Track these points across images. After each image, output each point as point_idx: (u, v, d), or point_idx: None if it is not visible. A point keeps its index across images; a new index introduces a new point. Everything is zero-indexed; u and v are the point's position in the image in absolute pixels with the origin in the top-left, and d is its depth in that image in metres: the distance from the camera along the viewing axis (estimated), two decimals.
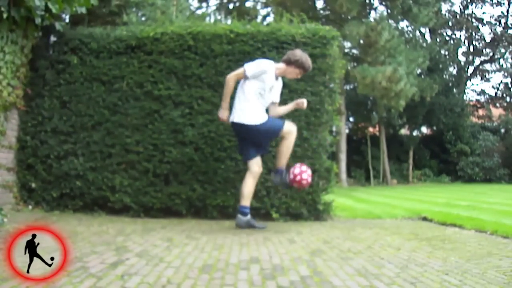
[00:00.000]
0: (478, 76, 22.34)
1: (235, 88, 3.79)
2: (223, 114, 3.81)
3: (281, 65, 3.80)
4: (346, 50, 15.10)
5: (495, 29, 20.97)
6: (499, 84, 21.94)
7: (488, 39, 21.11)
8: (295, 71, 3.80)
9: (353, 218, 4.89)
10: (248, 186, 3.70)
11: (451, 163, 17.80)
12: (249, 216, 3.69)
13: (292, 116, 4.31)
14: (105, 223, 3.77)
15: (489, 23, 21.07)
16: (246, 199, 3.69)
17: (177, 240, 2.99)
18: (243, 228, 3.64)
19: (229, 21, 5.62)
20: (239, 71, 3.72)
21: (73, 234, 3.09)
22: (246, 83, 3.70)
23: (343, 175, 14.90)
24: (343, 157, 14.92)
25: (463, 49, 21.14)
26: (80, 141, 4.50)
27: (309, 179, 3.74)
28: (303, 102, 3.91)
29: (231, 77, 3.72)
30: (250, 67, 3.69)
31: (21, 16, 3.93)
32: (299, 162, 3.92)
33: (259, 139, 3.76)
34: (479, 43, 21.39)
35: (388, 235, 3.48)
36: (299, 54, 3.79)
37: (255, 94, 3.69)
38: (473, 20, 20.97)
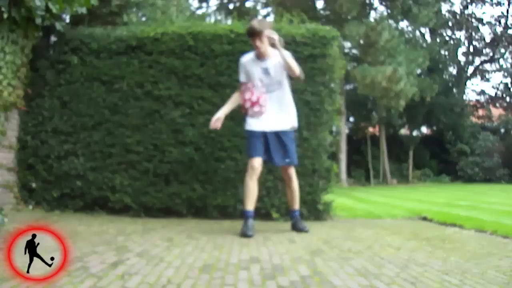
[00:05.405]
0: (478, 76, 22.34)
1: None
2: None
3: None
4: (346, 50, 15.13)
5: (495, 29, 20.98)
6: (499, 84, 21.95)
7: (488, 39, 21.13)
8: None
9: (353, 218, 4.89)
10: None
11: (451, 163, 17.80)
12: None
13: None
14: (105, 223, 3.77)
15: (489, 23, 21.08)
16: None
17: (177, 240, 2.99)
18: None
19: (229, 21, 5.62)
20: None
21: (73, 234, 3.09)
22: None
23: (343, 175, 14.91)
24: (343, 157, 14.93)
25: (463, 49, 21.19)
26: (81, 141, 4.51)
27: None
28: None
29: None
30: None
31: (22, 16, 3.93)
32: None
33: None
34: (479, 43, 21.39)
35: (388, 235, 3.48)
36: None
37: None
38: (473, 20, 20.96)
